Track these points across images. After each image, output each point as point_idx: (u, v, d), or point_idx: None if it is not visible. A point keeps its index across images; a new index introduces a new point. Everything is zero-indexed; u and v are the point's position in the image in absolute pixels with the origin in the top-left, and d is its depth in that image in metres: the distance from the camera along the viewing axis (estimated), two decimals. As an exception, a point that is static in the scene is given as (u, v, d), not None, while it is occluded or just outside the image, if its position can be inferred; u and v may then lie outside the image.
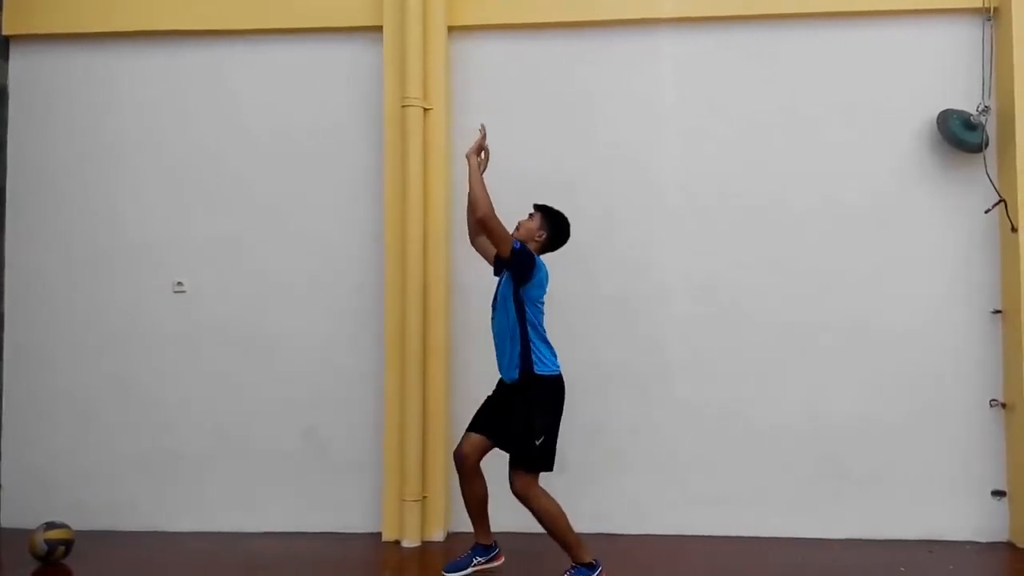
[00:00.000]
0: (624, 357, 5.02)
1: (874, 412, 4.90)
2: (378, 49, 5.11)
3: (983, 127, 4.82)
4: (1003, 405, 4.83)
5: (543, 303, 4.16)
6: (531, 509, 3.99)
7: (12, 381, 5.28)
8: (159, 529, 5.12)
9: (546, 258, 4.29)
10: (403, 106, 4.93)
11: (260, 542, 4.92)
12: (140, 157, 5.29)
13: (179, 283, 5.22)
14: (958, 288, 4.92)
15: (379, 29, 5.08)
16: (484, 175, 4.16)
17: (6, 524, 5.19)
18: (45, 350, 5.26)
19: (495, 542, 4.32)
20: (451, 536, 4.94)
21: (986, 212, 4.87)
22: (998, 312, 4.88)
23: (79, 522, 4.73)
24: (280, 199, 5.21)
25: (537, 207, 4.27)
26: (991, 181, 4.84)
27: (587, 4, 5.08)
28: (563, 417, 4.10)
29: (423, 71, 4.95)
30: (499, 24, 5.12)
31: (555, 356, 4.12)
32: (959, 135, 4.81)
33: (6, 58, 5.35)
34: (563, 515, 4.00)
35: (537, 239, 4.19)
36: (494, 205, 3.98)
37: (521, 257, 4.00)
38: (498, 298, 4.17)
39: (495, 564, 4.29)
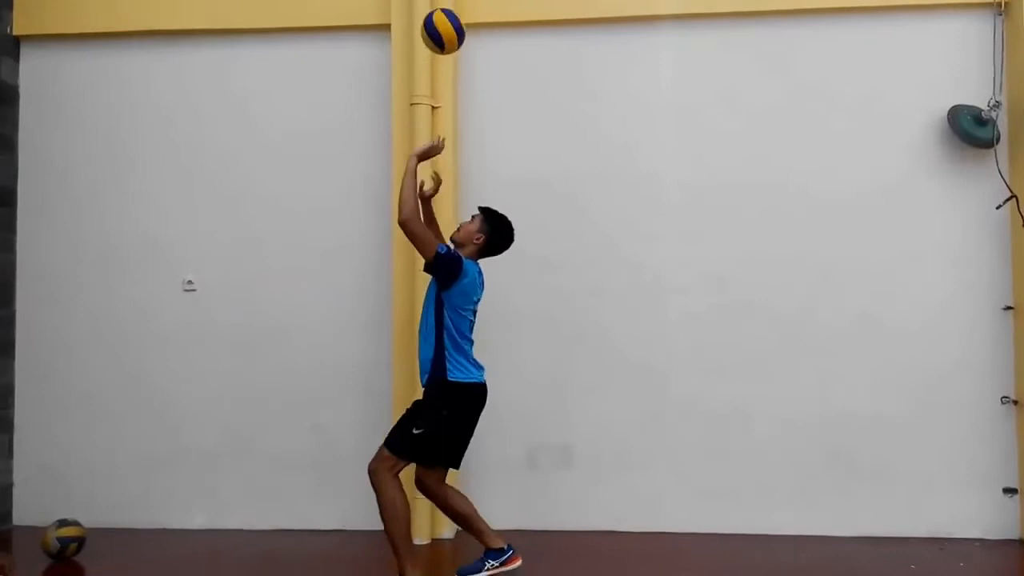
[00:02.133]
0: (631, 353, 5.02)
1: (884, 408, 4.89)
2: (386, 47, 5.11)
3: (994, 123, 4.80)
4: (1014, 402, 4.81)
5: (468, 310, 4.03)
6: (376, 493, 3.88)
7: (24, 379, 5.31)
8: (170, 526, 5.15)
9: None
10: (411, 104, 4.93)
11: (271, 539, 4.95)
12: (150, 156, 5.32)
13: (189, 281, 5.24)
14: (969, 284, 4.90)
15: (387, 28, 5.09)
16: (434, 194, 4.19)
17: (19, 522, 5.23)
18: (57, 348, 5.29)
19: (509, 545, 4.11)
20: (460, 533, 4.93)
21: (997, 208, 4.85)
22: (1009, 308, 4.85)
23: (91, 519, 4.76)
24: (289, 197, 5.23)
25: (481, 209, 4.17)
26: (1002, 177, 4.82)
27: (594, 1, 5.07)
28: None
29: (431, 69, 4.96)
30: (507, 22, 5.12)
31: (473, 364, 4.01)
32: (970, 131, 4.79)
33: (17, 58, 5.38)
34: (405, 518, 3.89)
35: (475, 242, 4.08)
36: (416, 207, 3.92)
37: (443, 262, 3.90)
38: (425, 299, 4.08)
39: (512, 567, 4.06)
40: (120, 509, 5.16)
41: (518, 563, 4.09)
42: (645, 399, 5.01)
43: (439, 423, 3.92)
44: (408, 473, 4.01)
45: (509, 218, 4.15)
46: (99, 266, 5.30)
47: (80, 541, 4.56)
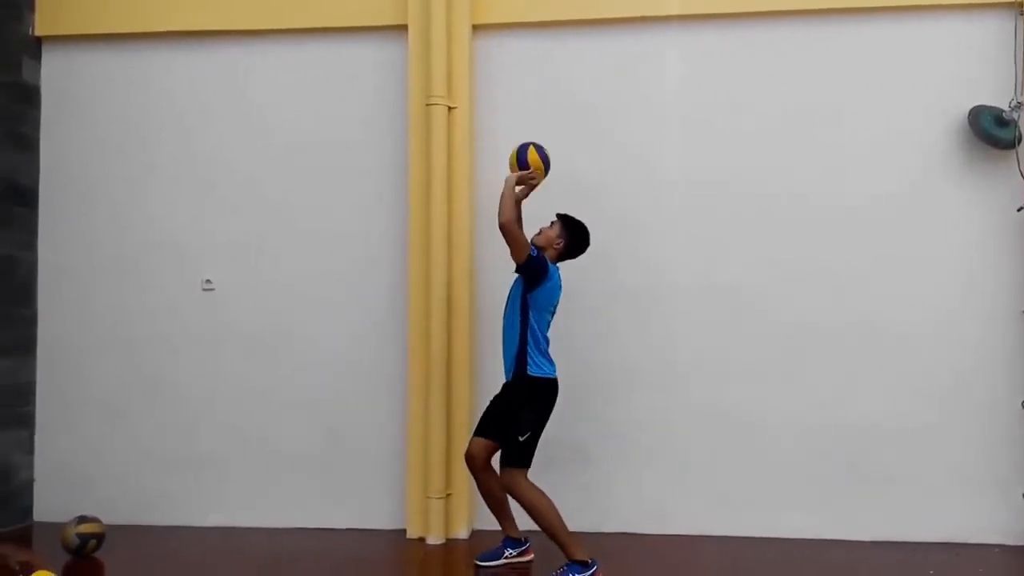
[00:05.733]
0: (643, 358, 5.00)
1: (902, 412, 4.84)
2: (403, 48, 5.12)
3: (1015, 123, 4.74)
4: (1034, 406, 4.77)
5: (551, 313, 4.30)
6: (520, 503, 4.14)
7: (45, 378, 5.37)
8: (187, 524, 5.19)
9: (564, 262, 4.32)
10: (427, 104, 4.94)
11: (285, 538, 4.97)
12: (169, 157, 5.35)
13: (207, 280, 5.27)
14: (988, 286, 4.85)
15: (404, 28, 5.09)
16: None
17: (39, 518, 5.29)
18: (77, 348, 5.34)
19: (526, 538, 4.44)
20: (475, 533, 4.96)
21: (1019, 210, 4.79)
22: (1029, 312, 4.81)
23: (110, 516, 4.80)
24: (305, 198, 5.25)
25: (559, 215, 4.39)
26: (1024, 178, 4.77)
27: (612, 1, 5.05)
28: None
29: (447, 70, 4.96)
30: (524, 22, 5.11)
31: (551, 363, 4.26)
32: (991, 131, 4.73)
33: (38, 59, 5.43)
34: (553, 509, 4.12)
35: (555, 246, 4.33)
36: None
37: (534, 264, 4.16)
38: (509, 299, 4.33)
39: (526, 559, 4.42)
40: (138, 507, 5.20)
41: (531, 557, 4.46)
42: (657, 403, 4.99)
43: (534, 421, 4.17)
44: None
45: (585, 223, 4.38)
46: (118, 266, 5.34)
47: (99, 538, 4.61)
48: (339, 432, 5.16)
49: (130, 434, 5.28)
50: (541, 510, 4.10)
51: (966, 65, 4.89)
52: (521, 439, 4.13)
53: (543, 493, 4.14)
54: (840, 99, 4.97)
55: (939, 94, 4.90)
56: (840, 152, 4.95)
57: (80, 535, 4.56)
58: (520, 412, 4.17)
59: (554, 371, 4.26)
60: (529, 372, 4.18)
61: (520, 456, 4.15)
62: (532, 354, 4.19)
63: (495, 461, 4.32)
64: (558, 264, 4.35)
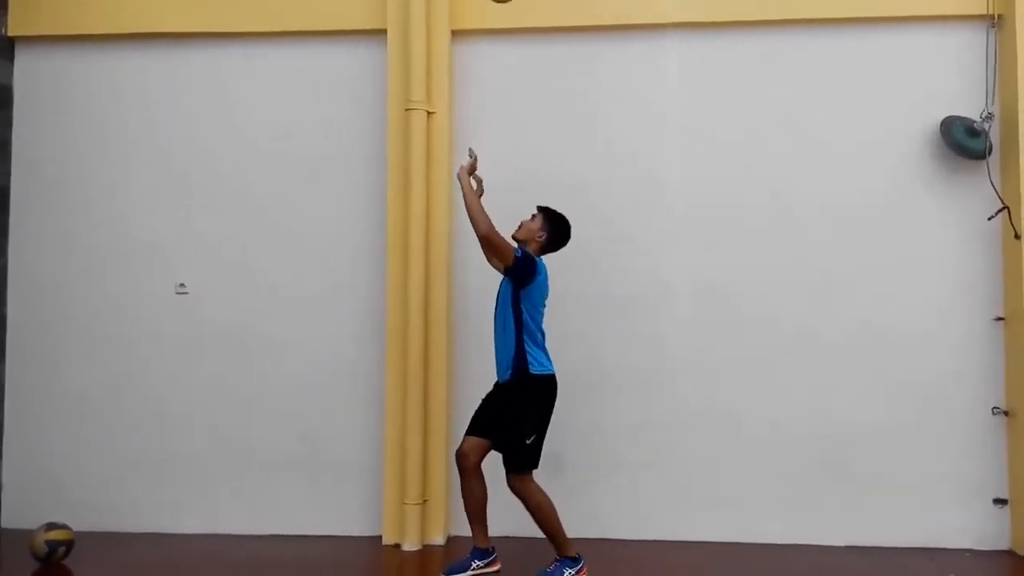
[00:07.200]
0: (626, 359, 5.02)
1: (876, 418, 4.89)
2: (382, 52, 5.11)
3: (986, 134, 4.82)
4: (1005, 413, 4.82)
5: (544, 305, 4.27)
6: (527, 504, 4.15)
7: (15, 381, 5.29)
8: (160, 531, 5.12)
9: (550, 260, 4.33)
10: (407, 109, 4.93)
11: (261, 544, 4.93)
12: (143, 158, 5.30)
13: (181, 285, 5.22)
14: (961, 295, 4.92)
15: (383, 32, 5.08)
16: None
17: (7, 524, 5.19)
18: (48, 351, 5.27)
19: (493, 547, 4.40)
20: (452, 539, 4.94)
21: (989, 219, 4.86)
22: (1000, 319, 4.87)
23: (80, 523, 4.74)
24: (283, 202, 5.21)
25: (540, 208, 4.39)
26: (994, 188, 4.84)
27: (590, 9, 5.08)
28: (563, 418, 4.22)
29: (427, 75, 4.96)
30: (503, 28, 5.12)
31: (549, 359, 4.24)
32: (962, 142, 4.81)
33: (11, 59, 5.36)
34: (554, 510, 4.17)
35: (537, 239, 4.32)
36: (491, 217, 4.14)
37: (523, 264, 4.16)
38: (499, 299, 4.30)
39: (493, 569, 4.37)
40: (109, 513, 5.13)
41: (498, 567, 4.39)
42: (637, 406, 5.00)
43: (539, 423, 4.17)
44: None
45: (566, 216, 4.38)
46: (91, 269, 5.27)
47: (69, 545, 4.54)
48: (316, 437, 5.12)
49: (102, 438, 5.20)
50: (547, 511, 4.14)
51: (939, 76, 4.97)
52: (528, 442, 4.10)
53: (546, 495, 4.17)
54: (818, 108, 5.02)
55: (913, 105, 4.97)
56: (819, 160, 5.01)
57: (49, 542, 4.49)
58: (523, 414, 4.13)
59: (552, 367, 4.23)
60: (531, 371, 4.15)
61: (527, 459, 4.13)
62: (531, 350, 4.16)
63: (489, 464, 4.28)
64: (542, 256, 4.33)
